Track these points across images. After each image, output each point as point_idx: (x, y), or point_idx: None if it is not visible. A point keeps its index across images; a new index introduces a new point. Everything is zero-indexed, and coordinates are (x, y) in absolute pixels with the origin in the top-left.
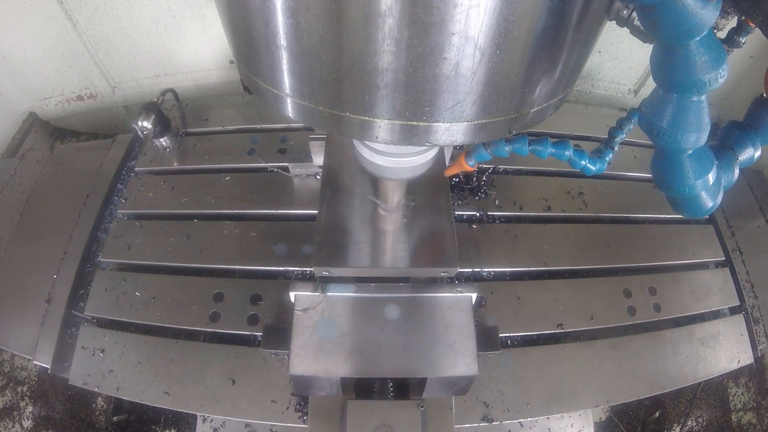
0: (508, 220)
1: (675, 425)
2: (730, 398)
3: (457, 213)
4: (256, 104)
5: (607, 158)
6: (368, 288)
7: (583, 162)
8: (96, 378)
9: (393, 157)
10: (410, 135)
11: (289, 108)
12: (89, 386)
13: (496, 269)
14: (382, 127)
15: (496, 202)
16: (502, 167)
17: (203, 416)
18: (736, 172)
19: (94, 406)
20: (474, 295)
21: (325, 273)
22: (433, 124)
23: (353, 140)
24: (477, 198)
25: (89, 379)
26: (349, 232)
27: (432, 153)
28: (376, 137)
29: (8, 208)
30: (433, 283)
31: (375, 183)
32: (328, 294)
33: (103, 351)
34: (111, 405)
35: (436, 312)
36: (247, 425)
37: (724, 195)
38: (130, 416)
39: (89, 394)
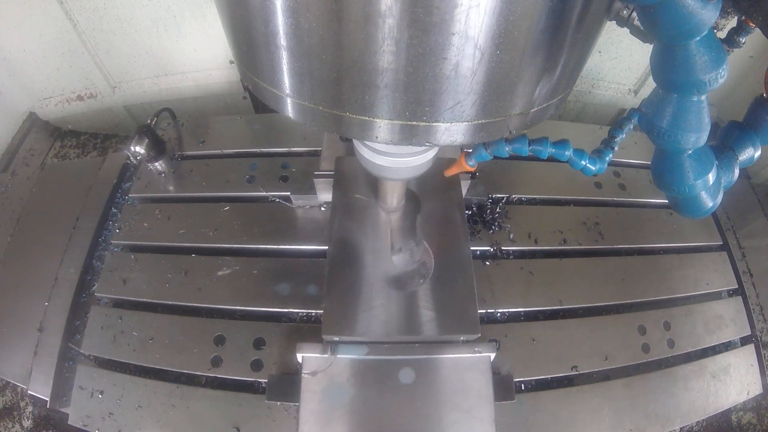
0: (523, 255)
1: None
2: None
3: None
4: (254, 125)
5: (607, 158)
6: (381, 350)
7: (583, 162)
8: (96, 420)
9: (393, 157)
10: (410, 135)
11: (289, 108)
12: (90, 428)
13: (510, 310)
14: (382, 127)
15: (510, 235)
16: (516, 196)
17: None
18: (736, 172)
19: None
20: (493, 355)
21: (335, 339)
22: (433, 124)
23: (353, 140)
24: (491, 231)
25: (89, 421)
26: (360, 295)
27: (432, 153)
28: (376, 137)
29: None
30: (450, 343)
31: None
32: (338, 356)
33: (102, 393)
34: None
35: (452, 374)
36: None
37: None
38: None
39: None
